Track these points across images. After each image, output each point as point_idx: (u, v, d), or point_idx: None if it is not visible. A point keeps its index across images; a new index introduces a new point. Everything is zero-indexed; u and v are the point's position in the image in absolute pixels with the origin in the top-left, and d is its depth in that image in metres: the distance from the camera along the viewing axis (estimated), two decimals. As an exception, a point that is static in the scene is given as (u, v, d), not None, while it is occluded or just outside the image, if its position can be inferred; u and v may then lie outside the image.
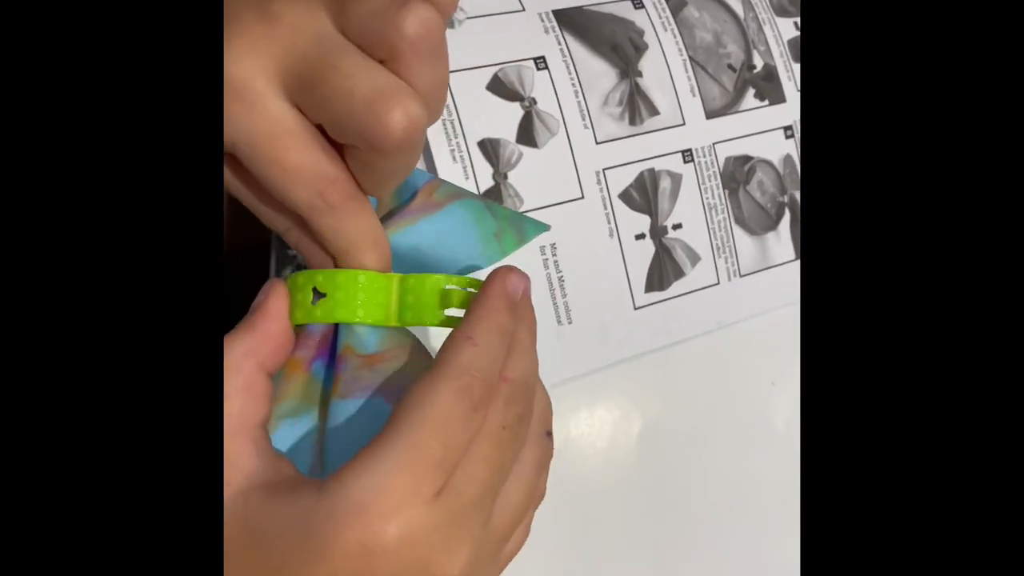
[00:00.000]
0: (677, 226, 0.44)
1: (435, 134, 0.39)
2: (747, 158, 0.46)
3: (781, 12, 0.49)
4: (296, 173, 0.24)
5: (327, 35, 0.24)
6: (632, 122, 0.44)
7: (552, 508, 0.43)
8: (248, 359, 0.25)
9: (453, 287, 0.27)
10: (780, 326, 0.48)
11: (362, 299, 0.26)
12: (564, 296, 0.41)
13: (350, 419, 0.25)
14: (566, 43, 0.43)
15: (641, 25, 0.45)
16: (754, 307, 0.47)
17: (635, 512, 0.44)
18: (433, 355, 0.26)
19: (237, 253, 0.33)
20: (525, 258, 0.41)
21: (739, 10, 0.48)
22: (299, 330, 0.27)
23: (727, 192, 0.46)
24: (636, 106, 0.44)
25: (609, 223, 0.43)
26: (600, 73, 0.43)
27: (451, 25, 0.41)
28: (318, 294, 0.26)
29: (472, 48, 0.41)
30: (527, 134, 0.41)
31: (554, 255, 0.41)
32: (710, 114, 0.46)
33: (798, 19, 0.50)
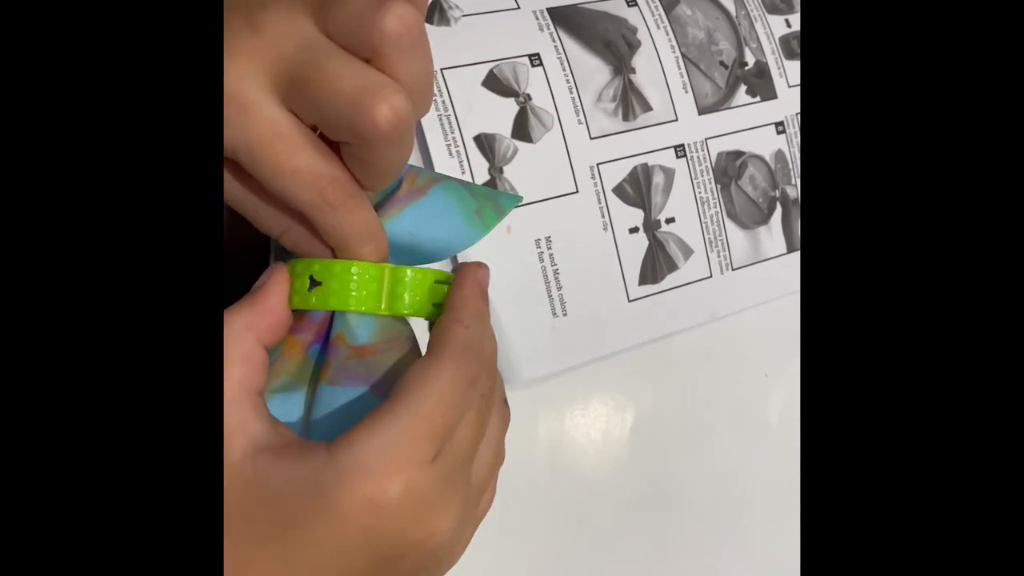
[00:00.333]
0: (670, 220, 0.45)
1: (431, 129, 0.40)
2: (739, 153, 0.47)
3: (772, 10, 0.50)
4: (296, 174, 0.25)
5: (313, 39, 0.25)
6: (625, 118, 0.44)
7: (546, 499, 0.43)
8: (248, 331, 0.26)
9: (442, 282, 0.29)
10: (773, 318, 0.48)
11: (355, 288, 0.28)
12: (559, 289, 0.42)
13: (335, 404, 0.27)
14: (560, 40, 0.44)
15: (634, 22, 0.46)
16: (747, 300, 0.47)
17: (629, 503, 0.45)
18: (421, 344, 0.28)
19: (238, 251, 0.33)
20: (521, 251, 0.41)
21: (731, 7, 0.49)
22: (301, 314, 0.29)
23: (719, 187, 0.46)
24: (629, 102, 0.45)
25: (603, 217, 0.43)
26: (594, 69, 0.44)
27: (447, 23, 0.42)
28: (315, 282, 0.28)
29: (468, 45, 0.42)
30: (522, 129, 0.42)
31: (549, 248, 0.42)
32: (702, 110, 0.46)
33: (789, 16, 0.50)
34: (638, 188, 0.44)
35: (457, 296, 0.28)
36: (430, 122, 0.40)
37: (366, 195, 0.27)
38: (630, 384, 0.45)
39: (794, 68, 0.49)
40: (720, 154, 0.46)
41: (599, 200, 0.43)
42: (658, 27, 0.46)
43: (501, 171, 0.41)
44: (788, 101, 0.49)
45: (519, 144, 0.42)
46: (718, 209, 0.46)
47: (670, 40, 0.46)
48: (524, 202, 0.41)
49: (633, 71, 0.45)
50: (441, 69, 0.41)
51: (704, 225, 0.46)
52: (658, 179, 0.45)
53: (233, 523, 0.24)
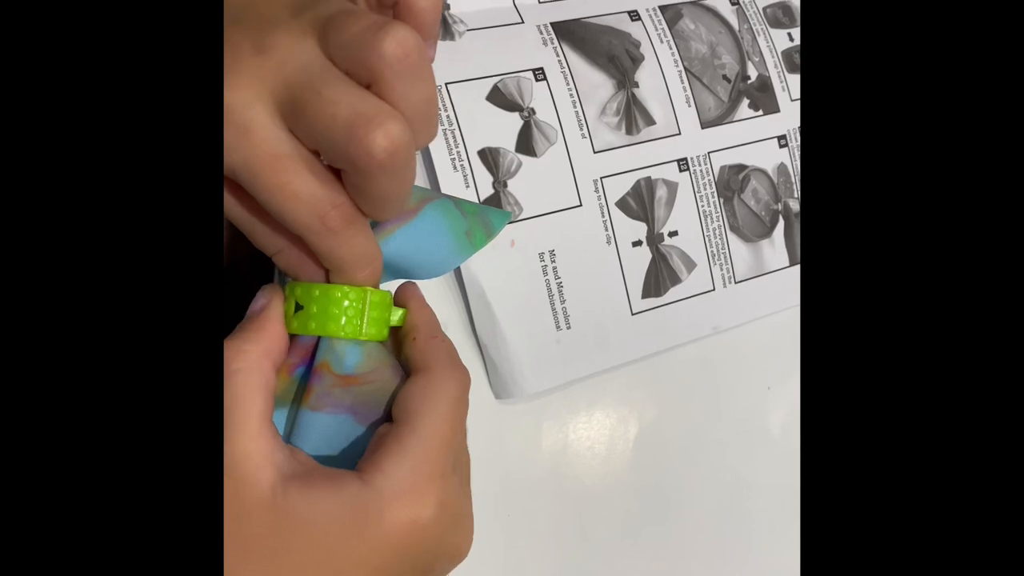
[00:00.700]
0: (673, 233, 0.45)
1: (436, 144, 0.40)
2: (742, 167, 0.47)
3: (775, 24, 0.50)
4: (296, 198, 0.25)
5: (313, 62, 0.25)
6: (629, 132, 0.45)
7: (550, 511, 0.43)
8: (266, 359, 0.26)
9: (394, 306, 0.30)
10: (776, 331, 0.48)
11: (335, 313, 0.27)
12: (563, 302, 0.42)
13: (317, 431, 0.27)
14: (564, 55, 0.44)
15: (638, 37, 0.46)
16: (749, 313, 0.47)
17: (632, 515, 0.45)
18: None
19: (238, 261, 0.34)
20: (524, 264, 0.41)
21: (734, 21, 0.49)
22: (292, 336, 0.28)
23: (722, 200, 0.47)
24: (633, 116, 0.45)
25: (606, 230, 0.43)
26: (597, 84, 0.44)
27: (452, 37, 0.42)
28: (299, 306, 0.28)
29: (472, 60, 0.42)
30: (526, 143, 0.42)
31: (553, 262, 0.42)
32: (705, 124, 0.47)
33: (792, 30, 0.51)
34: (641, 202, 0.44)
35: (421, 314, 0.30)
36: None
37: (366, 220, 0.27)
38: (633, 397, 0.45)
39: (796, 82, 0.50)
40: (723, 168, 0.47)
41: (602, 213, 0.43)
42: (661, 41, 0.46)
43: (505, 185, 0.41)
44: (790, 115, 0.49)
45: (523, 158, 0.42)
46: (721, 222, 0.46)
47: (673, 54, 0.46)
48: (528, 215, 0.42)
49: (636, 85, 0.45)
50: (445, 83, 0.41)
51: (707, 238, 0.46)
52: (661, 193, 0.45)
53: (267, 555, 0.24)
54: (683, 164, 0.46)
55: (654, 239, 0.45)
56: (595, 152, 0.44)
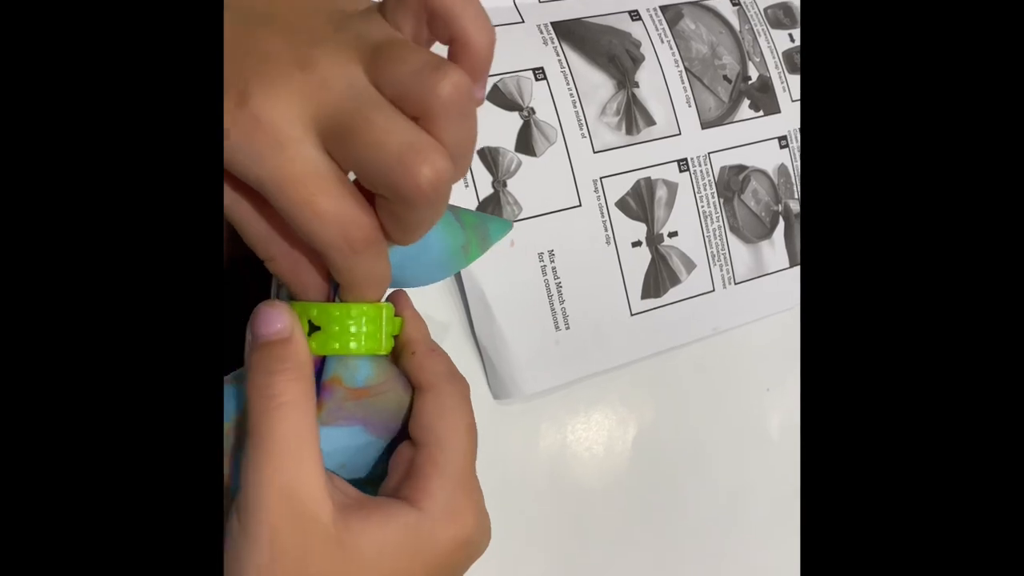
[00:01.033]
0: (673, 234, 0.45)
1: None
2: (742, 167, 0.47)
3: (776, 24, 0.50)
4: (322, 216, 0.25)
5: (362, 88, 0.25)
6: (629, 132, 0.45)
7: (549, 511, 0.43)
8: (309, 387, 0.27)
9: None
10: (775, 332, 0.48)
11: (355, 331, 0.28)
12: (562, 302, 0.42)
13: (330, 444, 0.27)
14: (564, 54, 0.44)
15: (638, 37, 0.46)
16: (749, 314, 0.47)
17: (631, 516, 0.45)
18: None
19: (237, 262, 0.34)
20: (524, 264, 0.41)
21: (735, 22, 0.49)
22: None
23: (722, 201, 0.46)
24: (633, 116, 0.45)
25: (606, 230, 0.43)
26: (598, 84, 0.44)
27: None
28: (313, 327, 0.27)
29: (472, 59, 0.42)
30: (526, 143, 0.42)
31: (552, 262, 0.42)
32: (705, 124, 0.47)
33: (793, 31, 0.51)
34: (641, 202, 0.44)
35: (417, 326, 0.30)
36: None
37: (387, 243, 0.27)
38: (632, 397, 0.45)
39: (797, 82, 0.50)
40: (723, 168, 0.47)
41: (602, 214, 0.43)
42: (662, 41, 0.46)
43: (504, 184, 0.41)
44: (791, 115, 0.49)
45: (523, 158, 0.42)
46: (721, 223, 0.46)
47: (674, 54, 0.46)
48: (528, 215, 0.42)
49: (636, 85, 0.45)
50: (445, 83, 0.41)
51: (707, 239, 0.46)
52: (661, 193, 0.45)
53: None
54: (683, 164, 0.46)
55: (654, 239, 0.44)
56: (595, 152, 0.44)
